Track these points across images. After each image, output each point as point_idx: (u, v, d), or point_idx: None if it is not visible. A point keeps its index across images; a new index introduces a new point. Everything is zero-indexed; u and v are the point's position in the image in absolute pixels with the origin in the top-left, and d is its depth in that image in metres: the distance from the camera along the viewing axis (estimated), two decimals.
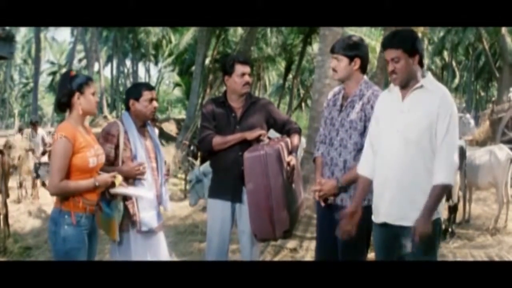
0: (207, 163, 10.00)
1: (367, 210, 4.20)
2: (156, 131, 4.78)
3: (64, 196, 4.08)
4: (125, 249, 4.61)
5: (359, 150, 4.30)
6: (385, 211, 3.91)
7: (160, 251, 4.77)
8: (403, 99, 3.85)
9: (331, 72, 4.63)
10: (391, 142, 3.84)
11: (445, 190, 3.78)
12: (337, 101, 4.53)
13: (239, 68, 4.86)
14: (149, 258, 4.61)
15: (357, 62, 4.38)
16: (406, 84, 3.84)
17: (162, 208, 4.87)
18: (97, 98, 4.28)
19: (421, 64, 3.83)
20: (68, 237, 4.04)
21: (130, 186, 4.47)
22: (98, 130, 12.41)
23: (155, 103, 4.75)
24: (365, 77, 4.48)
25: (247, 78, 4.89)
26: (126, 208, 4.54)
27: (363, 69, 4.44)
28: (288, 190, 4.60)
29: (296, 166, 4.78)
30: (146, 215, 4.60)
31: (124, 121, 4.69)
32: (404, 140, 3.77)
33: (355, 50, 4.38)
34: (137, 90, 4.73)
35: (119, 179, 4.24)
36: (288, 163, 4.65)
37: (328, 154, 4.48)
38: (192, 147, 16.64)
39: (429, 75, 3.87)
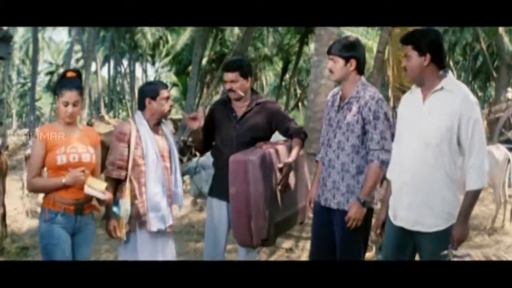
0: (206, 156, 10.04)
1: (366, 213, 4.23)
2: (170, 127, 4.79)
3: (44, 194, 4.28)
4: (131, 249, 4.63)
5: (357, 152, 4.33)
6: (402, 215, 3.89)
7: (167, 252, 4.78)
8: (424, 101, 3.82)
9: (327, 72, 4.63)
10: (411, 145, 3.83)
11: (479, 193, 3.75)
12: (335, 102, 4.54)
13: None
14: (156, 258, 4.61)
15: (353, 63, 4.38)
16: (421, 83, 3.84)
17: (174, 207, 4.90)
18: (69, 109, 4.29)
19: (439, 64, 3.81)
20: (44, 233, 4.23)
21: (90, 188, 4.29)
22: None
23: (170, 102, 4.77)
24: (362, 78, 4.48)
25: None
26: (135, 208, 4.56)
27: (359, 70, 4.44)
28: (274, 198, 4.59)
29: (300, 171, 4.78)
30: (156, 216, 4.60)
31: (136, 120, 4.70)
32: (423, 143, 3.74)
33: (351, 51, 4.39)
34: (154, 88, 4.72)
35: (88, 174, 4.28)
36: (281, 169, 4.65)
37: (326, 155, 4.48)
38: (181, 144, 16.80)
39: (449, 75, 3.83)
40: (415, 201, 3.80)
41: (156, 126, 4.77)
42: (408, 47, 3.81)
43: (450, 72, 3.88)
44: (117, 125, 4.81)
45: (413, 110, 3.90)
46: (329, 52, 4.49)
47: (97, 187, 4.21)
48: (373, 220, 4.33)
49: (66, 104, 4.24)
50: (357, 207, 4.29)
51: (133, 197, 4.58)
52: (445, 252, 3.66)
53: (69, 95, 4.23)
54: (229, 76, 4.91)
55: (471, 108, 3.67)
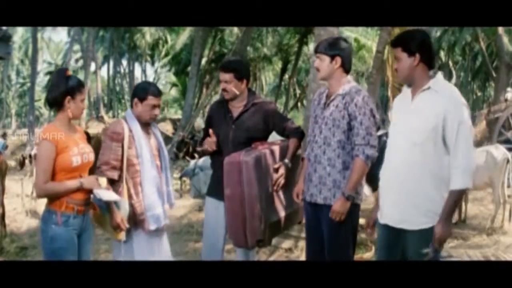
0: (205, 158, 10.07)
1: (353, 208, 4.26)
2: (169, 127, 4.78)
3: (51, 197, 4.12)
4: (127, 249, 4.60)
5: (343, 148, 4.38)
6: (387, 213, 3.95)
7: (163, 251, 4.78)
8: (412, 100, 3.88)
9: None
10: (397, 143, 3.89)
11: (462, 194, 3.78)
12: (321, 100, 4.62)
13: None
14: (152, 258, 4.59)
15: (338, 60, 4.45)
16: (411, 83, 3.91)
17: (166, 207, 4.86)
18: (85, 105, 4.28)
19: (428, 64, 3.86)
20: (55, 237, 4.07)
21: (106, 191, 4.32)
22: (92, 131, 12.37)
23: (156, 111, 4.69)
24: (348, 76, 4.55)
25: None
26: (133, 208, 4.53)
27: (345, 68, 4.50)
28: (270, 199, 4.60)
29: (298, 171, 4.78)
30: (154, 214, 4.60)
31: (127, 119, 4.66)
32: (409, 142, 3.78)
33: (336, 50, 4.47)
34: (144, 92, 4.64)
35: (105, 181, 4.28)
36: (277, 170, 4.68)
37: (312, 151, 4.52)
38: (177, 142, 16.90)
39: (438, 76, 3.87)
40: (400, 199, 3.84)
41: (145, 126, 4.74)
42: (398, 49, 3.88)
43: (439, 73, 3.92)
44: (110, 125, 4.76)
45: (402, 109, 3.98)
46: (315, 51, 4.58)
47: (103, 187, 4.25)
48: (363, 219, 4.35)
49: (83, 100, 4.24)
50: (342, 201, 4.32)
51: (129, 197, 4.55)
52: (426, 250, 3.69)
53: (84, 91, 4.25)
54: (224, 76, 4.92)
55: (457, 109, 3.69)
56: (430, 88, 3.79)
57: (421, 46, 3.84)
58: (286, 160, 4.75)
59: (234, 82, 4.89)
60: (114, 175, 4.52)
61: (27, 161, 13.82)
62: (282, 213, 4.74)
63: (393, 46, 3.95)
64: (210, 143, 4.92)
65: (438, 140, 3.71)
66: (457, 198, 3.73)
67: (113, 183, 4.54)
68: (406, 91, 3.98)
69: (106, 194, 4.21)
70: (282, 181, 4.68)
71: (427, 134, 3.71)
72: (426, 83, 3.82)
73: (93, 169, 4.40)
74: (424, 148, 3.73)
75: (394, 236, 3.95)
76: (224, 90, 4.95)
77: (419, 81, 3.85)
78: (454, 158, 3.67)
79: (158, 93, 4.69)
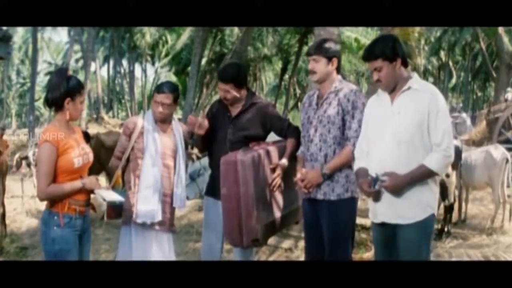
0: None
1: (351, 202, 4.27)
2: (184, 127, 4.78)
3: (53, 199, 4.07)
4: (128, 241, 4.76)
5: (339, 143, 4.45)
6: (382, 211, 4.01)
7: (162, 247, 4.83)
8: (392, 102, 3.99)
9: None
10: (384, 144, 3.95)
11: (430, 175, 3.88)
12: (312, 101, 4.69)
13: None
14: (149, 255, 4.68)
15: (335, 62, 4.56)
16: (394, 87, 3.99)
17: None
18: (84, 107, 4.28)
19: (405, 65, 3.99)
20: (57, 239, 4.03)
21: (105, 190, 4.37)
22: (92, 131, 12.33)
23: (160, 108, 4.77)
24: (339, 76, 4.62)
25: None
26: (128, 199, 4.65)
27: (338, 69, 4.61)
28: (266, 198, 4.61)
29: (296, 171, 4.79)
30: (144, 208, 4.66)
31: (146, 115, 4.86)
32: (396, 141, 3.88)
33: (333, 51, 4.57)
34: (155, 88, 4.85)
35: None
36: (274, 170, 4.69)
37: (308, 150, 4.59)
38: None
39: (415, 75, 4.02)
40: (393, 196, 3.91)
41: (164, 124, 4.86)
42: (377, 61, 3.95)
43: (415, 73, 4.06)
44: (127, 119, 4.97)
45: (382, 112, 4.05)
46: (309, 54, 4.62)
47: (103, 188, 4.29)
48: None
49: (83, 102, 4.20)
50: (317, 173, 4.43)
51: (128, 188, 4.72)
52: (375, 177, 3.91)
53: (84, 92, 4.23)
54: (223, 86, 4.91)
55: (438, 105, 3.84)
56: (410, 88, 3.92)
57: (398, 49, 3.96)
58: (284, 160, 4.75)
59: (234, 90, 4.89)
60: (118, 166, 4.78)
61: (24, 163, 13.71)
62: (278, 213, 4.74)
63: (370, 59, 4.01)
64: (201, 125, 4.91)
65: (424, 136, 3.85)
66: (425, 175, 3.87)
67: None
68: (383, 94, 4.09)
69: (107, 194, 4.22)
70: (279, 181, 4.68)
71: (413, 132, 3.84)
72: (405, 84, 3.94)
73: (91, 169, 4.39)
74: (411, 145, 3.85)
75: (389, 233, 4.02)
76: (224, 98, 4.94)
77: (399, 83, 3.96)
78: (440, 145, 3.81)
79: (162, 91, 4.79)
